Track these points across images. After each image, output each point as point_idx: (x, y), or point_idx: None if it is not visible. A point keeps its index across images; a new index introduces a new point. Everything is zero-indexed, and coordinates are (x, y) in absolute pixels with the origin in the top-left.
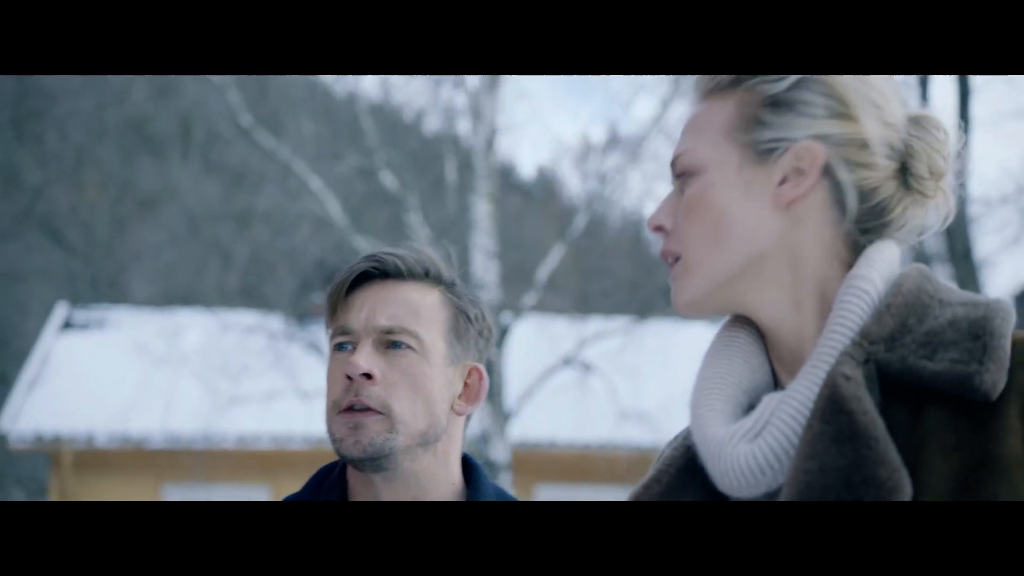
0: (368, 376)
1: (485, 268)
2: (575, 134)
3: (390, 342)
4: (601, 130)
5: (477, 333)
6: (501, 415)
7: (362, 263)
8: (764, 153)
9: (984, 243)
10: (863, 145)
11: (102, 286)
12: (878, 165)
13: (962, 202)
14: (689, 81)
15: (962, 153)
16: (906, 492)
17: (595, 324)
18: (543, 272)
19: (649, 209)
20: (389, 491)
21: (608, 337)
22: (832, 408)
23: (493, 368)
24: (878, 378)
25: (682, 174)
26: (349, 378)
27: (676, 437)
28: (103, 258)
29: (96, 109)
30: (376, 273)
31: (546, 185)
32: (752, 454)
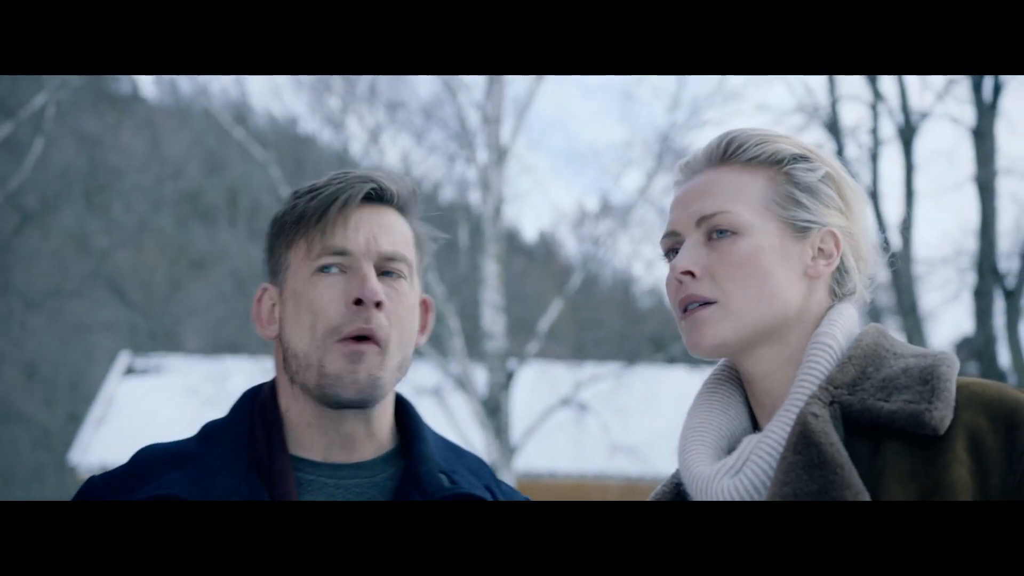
0: (378, 304)
1: (493, 320)
2: (572, 203)
3: (389, 270)
4: (594, 199)
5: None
6: (507, 449)
7: (357, 184)
8: (800, 231)
9: (928, 299)
10: (858, 239)
11: (159, 337)
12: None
13: (908, 262)
14: (671, 152)
15: (906, 222)
16: None
17: (590, 369)
18: (544, 324)
19: (637, 268)
20: (351, 425)
21: (601, 380)
22: (803, 441)
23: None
24: (842, 417)
25: (718, 230)
26: (358, 303)
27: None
28: (160, 312)
29: (155, 183)
30: (372, 195)
31: (546, 247)
32: (735, 487)
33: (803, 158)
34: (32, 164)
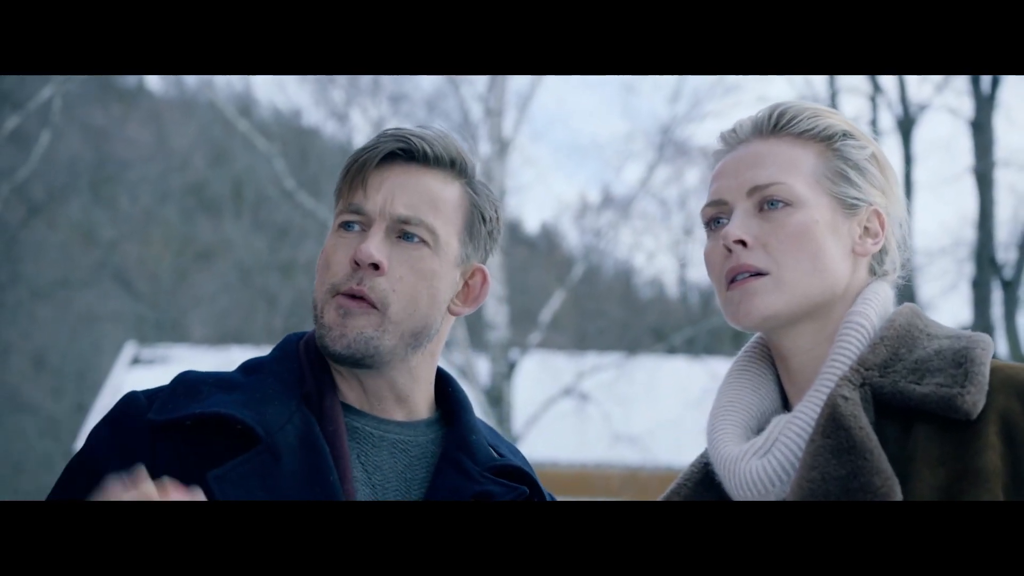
0: (376, 267)
1: (496, 311)
2: (574, 195)
3: (404, 232)
4: (596, 191)
5: (488, 233)
6: (509, 438)
7: (388, 142)
8: (849, 208)
9: (926, 289)
10: (896, 219)
11: (166, 327)
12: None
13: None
14: (672, 144)
15: (907, 212)
16: (897, 498)
17: (591, 359)
18: (546, 314)
19: (638, 259)
20: (371, 383)
21: (603, 370)
22: (832, 424)
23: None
24: (872, 399)
25: (771, 201)
26: (356, 264)
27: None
28: (167, 303)
29: (161, 175)
30: (401, 155)
31: (548, 239)
32: (763, 468)
33: (852, 136)
34: (39, 156)
